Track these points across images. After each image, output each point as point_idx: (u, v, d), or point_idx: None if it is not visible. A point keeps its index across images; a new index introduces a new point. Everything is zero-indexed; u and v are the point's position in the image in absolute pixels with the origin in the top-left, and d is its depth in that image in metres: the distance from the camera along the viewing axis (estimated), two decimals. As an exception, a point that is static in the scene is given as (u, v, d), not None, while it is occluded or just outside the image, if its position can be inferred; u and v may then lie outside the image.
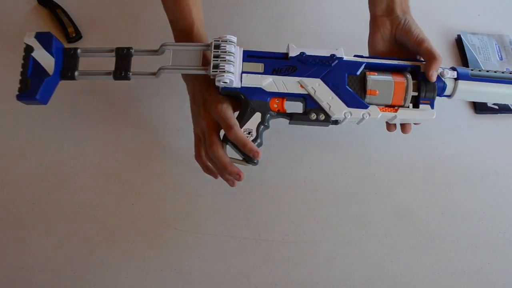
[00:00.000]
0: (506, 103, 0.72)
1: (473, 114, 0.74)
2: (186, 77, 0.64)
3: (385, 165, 0.69)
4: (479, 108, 0.74)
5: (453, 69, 0.61)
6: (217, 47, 0.57)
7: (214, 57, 0.56)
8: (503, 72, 0.62)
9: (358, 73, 0.59)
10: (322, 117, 0.58)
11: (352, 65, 0.59)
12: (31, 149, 0.68)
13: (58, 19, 0.77)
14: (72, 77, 0.59)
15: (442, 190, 0.68)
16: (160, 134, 0.70)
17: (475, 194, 0.68)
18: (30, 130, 0.70)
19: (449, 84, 0.60)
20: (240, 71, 0.58)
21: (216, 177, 0.62)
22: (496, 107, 0.74)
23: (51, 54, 0.57)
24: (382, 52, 0.64)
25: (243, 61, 0.59)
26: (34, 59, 0.57)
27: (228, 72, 0.56)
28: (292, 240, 0.64)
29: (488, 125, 0.74)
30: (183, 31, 0.62)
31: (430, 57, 0.59)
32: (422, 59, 0.61)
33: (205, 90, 0.60)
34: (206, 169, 0.62)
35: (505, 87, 0.61)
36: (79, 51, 0.59)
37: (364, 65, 0.60)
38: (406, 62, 0.61)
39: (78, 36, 0.76)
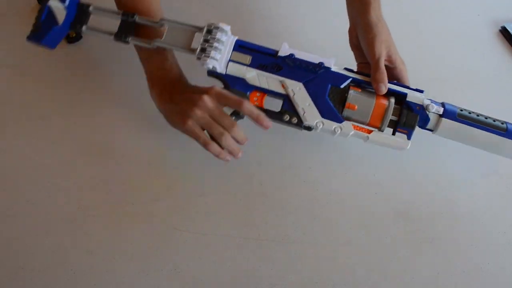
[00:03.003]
0: (490, 152, 0.65)
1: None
2: (151, 81, 0.65)
3: (385, 165, 0.69)
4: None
5: (442, 105, 0.60)
6: (209, 32, 0.59)
7: (203, 41, 0.58)
8: (494, 120, 0.61)
9: (342, 86, 0.60)
10: (294, 120, 0.60)
11: (338, 78, 0.60)
12: (31, 149, 0.68)
13: (58, 19, 0.77)
14: (80, 31, 0.64)
15: (442, 190, 0.68)
16: (160, 135, 0.70)
17: (475, 194, 0.68)
18: (30, 130, 0.69)
19: (433, 119, 0.60)
20: (228, 59, 0.60)
21: (237, 154, 0.62)
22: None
23: (65, 6, 0.62)
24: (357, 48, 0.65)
25: (233, 49, 0.60)
26: (49, 8, 0.62)
27: (213, 58, 0.58)
28: (292, 240, 0.64)
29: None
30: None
31: (374, 67, 0.59)
32: (411, 87, 0.61)
33: (177, 82, 0.63)
34: (220, 154, 0.61)
35: (493, 136, 0.60)
36: (91, 8, 0.63)
37: (350, 80, 0.60)
38: (393, 86, 0.60)
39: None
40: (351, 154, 0.70)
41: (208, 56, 0.58)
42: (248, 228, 0.64)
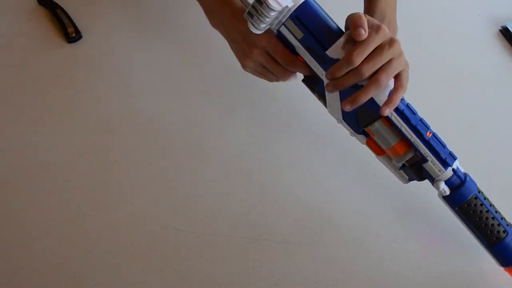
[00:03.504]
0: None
1: (473, 114, 0.75)
2: (215, 23, 0.62)
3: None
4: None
5: (454, 187, 0.56)
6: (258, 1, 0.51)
7: (252, 6, 0.51)
8: (502, 218, 0.59)
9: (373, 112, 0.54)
10: (322, 102, 0.59)
11: (373, 104, 0.53)
12: (31, 149, 0.68)
13: (58, 19, 0.77)
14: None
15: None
16: (160, 134, 0.70)
17: (475, 194, 0.68)
18: (30, 130, 0.69)
19: (437, 189, 0.57)
20: (282, 22, 0.53)
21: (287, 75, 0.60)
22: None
23: None
24: None
25: (289, 17, 0.53)
26: None
27: (256, 28, 0.52)
28: (292, 240, 0.64)
29: (488, 124, 0.74)
30: None
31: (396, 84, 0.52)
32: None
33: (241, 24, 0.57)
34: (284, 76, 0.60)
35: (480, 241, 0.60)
36: None
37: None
38: (421, 145, 0.55)
39: (78, 36, 0.76)
40: (351, 154, 0.70)
41: (252, 25, 0.52)
42: (248, 228, 0.64)
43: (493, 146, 0.72)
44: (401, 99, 0.53)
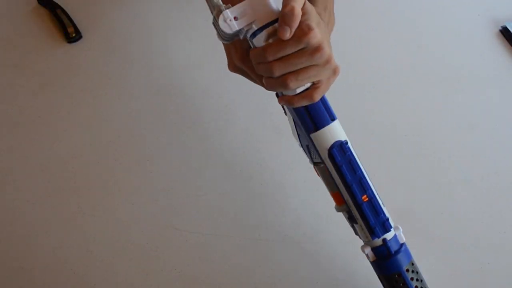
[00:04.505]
0: None
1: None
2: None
3: (385, 165, 0.69)
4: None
5: (380, 256, 0.52)
6: None
7: (214, 18, 0.44)
8: None
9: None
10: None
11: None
12: (31, 149, 0.68)
13: (58, 19, 0.77)
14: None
15: (442, 190, 0.68)
16: (160, 134, 0.70)
17: (475, 194, 0.68)
18: (31, 130, 0.70)
19: (362, 251, 0.53)
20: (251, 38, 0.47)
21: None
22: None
23: None
24: None
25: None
26: None
27: (222, 38, 0.46)
28: (292, 240, 0.64)
29: (488, 124, 0.74)
30: None
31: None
32: None
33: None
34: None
35: None
36: None
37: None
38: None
39: (78, 36, 0.77)
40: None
41: (219, 35, 0.46)
42: (248, 228, 0.64)
43: (493, 146, 0.72)
44: (347, 151, 0.48)
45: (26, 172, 0.67)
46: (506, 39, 0.82)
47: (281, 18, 0.41)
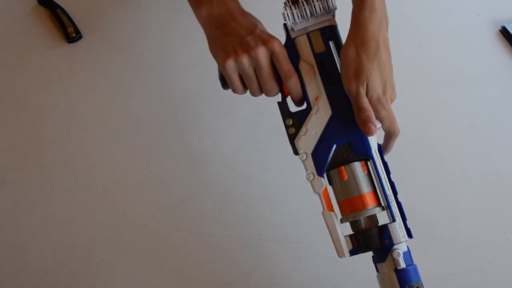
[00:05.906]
0: None
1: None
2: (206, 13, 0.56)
3: (385, 165, 0.69)
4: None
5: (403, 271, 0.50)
6: None
7: None
8: None
9: (356, 153, 0.50)
10: (291, 131, 0.53)
11: (362, 145, 0.50)
12: (31, 149, 0.68)
13: (58, 19, 0.77)
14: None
15: (442, 190, 0.68)
16: (160, 134, 0.70)
17: (475, 194, 0.68)
18: (30, 130, 0.70)
19: (393, 257, 0.50)
20: (308, 30, 0.52)
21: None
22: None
23: None
24: None
25: (319, 29, 0.51)
26: None
27: (291, 19, 0.51)
28: (292, 240, 0.64)
29: (488, 124, 0.74)
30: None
31: (354, 105, 0.49)
32: None
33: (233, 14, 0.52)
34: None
35: None
36: None
37: (368, 158, 0.51)
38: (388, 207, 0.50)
39: (78, 36, 0.76)
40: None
41: (288, 14, 0.50)
42: (248, 228, 0.64)
43: (493, 146, 0.72)
44: (382, 153, 0.52)
45: (26, 172, 0.67)
46: (506, 39, 0.82)
47: (361, 121, 0.48)
